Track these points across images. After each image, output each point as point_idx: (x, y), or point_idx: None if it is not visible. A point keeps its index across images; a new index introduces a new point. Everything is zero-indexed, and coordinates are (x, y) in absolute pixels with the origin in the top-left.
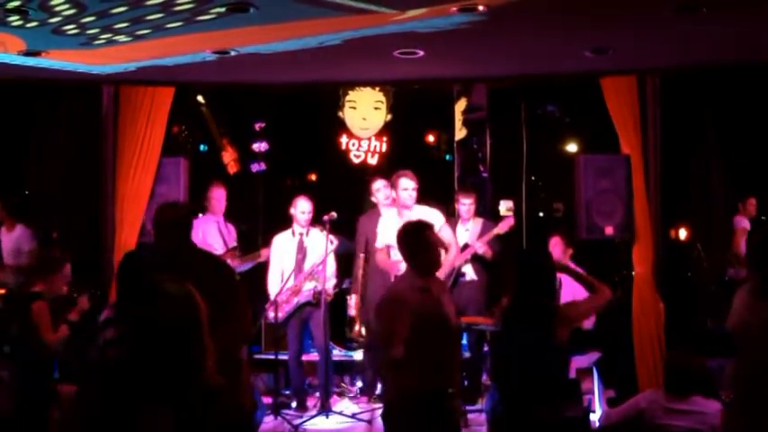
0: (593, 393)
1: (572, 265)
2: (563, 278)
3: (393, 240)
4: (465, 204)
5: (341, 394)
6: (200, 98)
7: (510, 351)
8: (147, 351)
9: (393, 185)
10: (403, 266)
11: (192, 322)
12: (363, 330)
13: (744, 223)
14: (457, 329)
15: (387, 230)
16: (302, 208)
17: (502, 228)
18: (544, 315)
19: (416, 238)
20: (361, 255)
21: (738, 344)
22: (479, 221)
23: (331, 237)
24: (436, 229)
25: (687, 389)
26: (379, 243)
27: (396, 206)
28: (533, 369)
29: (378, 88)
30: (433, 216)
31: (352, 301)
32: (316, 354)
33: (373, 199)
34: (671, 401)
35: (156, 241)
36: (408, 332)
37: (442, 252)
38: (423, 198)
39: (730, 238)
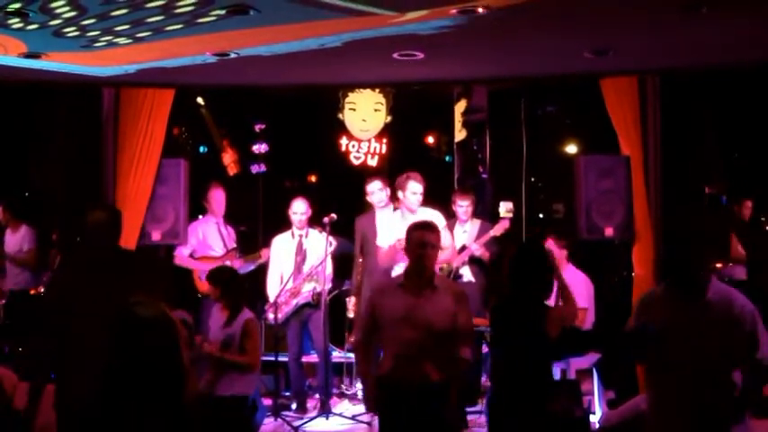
0: (593, 394)
1: (571, 267)
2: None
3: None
4: (462, 206)
5: (341, 396)
6: (200, 100)
7: (502, 349)
8: (125, 379)
9: (401, 186)
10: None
11: (168, 347)
12: None
13: None
14: (432, 328)
15: (391, 231)
16: (295, 209)
17: (497, 230)
18: (536, 312)
19: (407, 237)
20: (360, 260)
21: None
22: (477, 223)
23: (330, 238)
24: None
25: None
26: (383, 242)
27: (393, 206)
28: (525, 367)
29: (378, 90)
30: (434, 218)
31: (351, 303)
32: (315, 355)
33: (369, 199)
34: None
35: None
36: (373, 323)
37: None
38: (423, 199)
39: None
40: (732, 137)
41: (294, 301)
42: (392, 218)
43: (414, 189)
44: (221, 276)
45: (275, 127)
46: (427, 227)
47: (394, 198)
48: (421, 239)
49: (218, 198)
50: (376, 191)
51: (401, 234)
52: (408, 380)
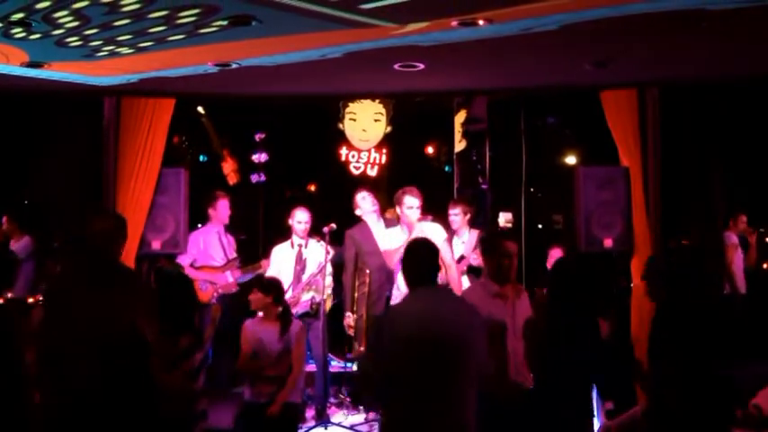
0: (592, 405)
1: None
2: None
3: (397, 255)
4: (451, 215)
5: (339, 405)
6: (200, 109)
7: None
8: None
9: (398, 202)
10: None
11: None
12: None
13: (733, 239)
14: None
15: (392, 239)
16: (299, 218)
17: None
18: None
19: (489, 245)
20: (367, 270)
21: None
22: (475, 233)
23: (328, 247)
24: (438, 245)
25: None
26: (387, 246)
27: (384, 219)
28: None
29: (378, 100)
30: (435, 231)
31: (351, 319)
32: (314, 365)
33: (358, 212)
34: None
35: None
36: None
37: (443, 272)
38: (423, 209)
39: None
40: (731, 149)
41: (294, 311)
42: (392, 230)
43: (409, 204)
44: (274, 284)
45: (275, 136)
46: (505, 236)
47: (385, 210)
48: (507, 248)
49: (224, 207)
50: (366, 196)
51: (400, 250)
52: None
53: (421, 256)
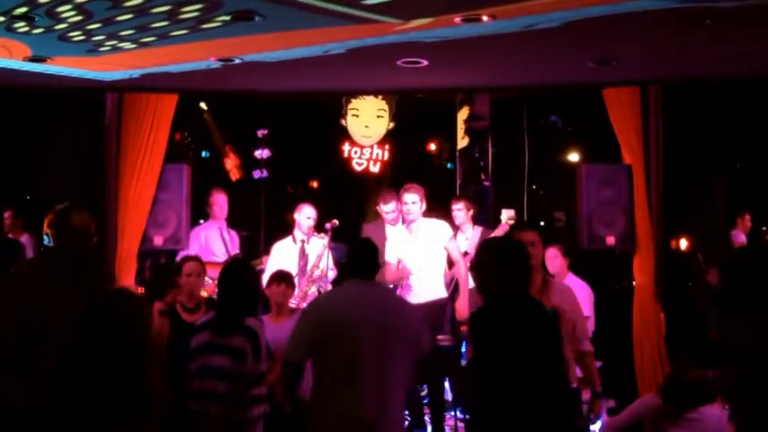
0: None
1: (572, 276)
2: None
3: (403, 254)
4: (454, 210)
5: None
6: (203, 105)
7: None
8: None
9: (399, 199)
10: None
11: None
12: None
13: (741, 238)
14: None
15: (396, 244)
16: (308, 213)
17: (497, 234)
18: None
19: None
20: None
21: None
22: (479, 230)
23: (331, 243)
24: (444, 242)
25: (686, 403)
26: (390, 258)
27: (400, 222)
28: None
29: (381, 96)
30: (440, 229)
31: None
32: None
33: (382, 214)
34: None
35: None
36: None
37: (446, 268)
38: (427, 207)
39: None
40: (734, 147)
41: (304, 305)
42: (400, 233)
43: (406, 200)
44: (291, 276)
45: (278, 132)
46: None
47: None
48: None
49: (220, 202)
50: (389, 212)
51: (407, 249)
52: None
53: (359, 252)
